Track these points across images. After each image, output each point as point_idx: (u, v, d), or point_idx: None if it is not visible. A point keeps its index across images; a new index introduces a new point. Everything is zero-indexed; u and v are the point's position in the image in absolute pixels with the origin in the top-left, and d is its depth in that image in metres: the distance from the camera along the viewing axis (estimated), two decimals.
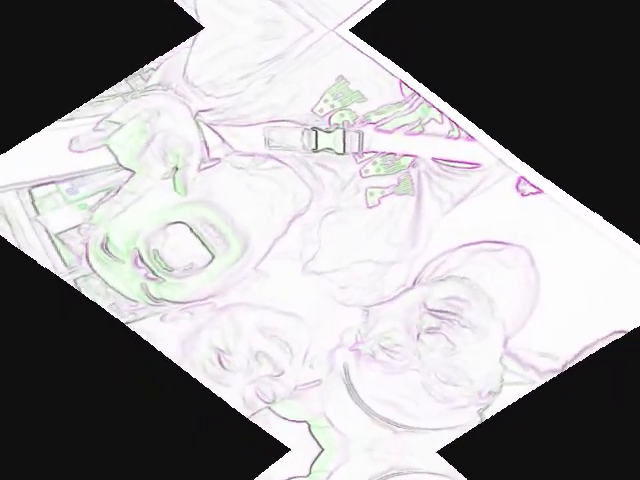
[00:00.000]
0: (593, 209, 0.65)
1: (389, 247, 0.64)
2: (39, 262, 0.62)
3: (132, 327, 0.62)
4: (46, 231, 0.63)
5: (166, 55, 0.67)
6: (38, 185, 0.64)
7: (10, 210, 0.63)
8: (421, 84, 0.68)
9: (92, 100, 0.66)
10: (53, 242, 0.62)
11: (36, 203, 0.63)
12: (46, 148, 0.65)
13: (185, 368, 0.63)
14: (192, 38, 0.68)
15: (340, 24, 0.69)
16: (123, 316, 0.62)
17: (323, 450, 0.62)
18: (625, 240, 0.63)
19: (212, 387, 0.63)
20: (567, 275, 0.63)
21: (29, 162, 0.64)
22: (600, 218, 0.64)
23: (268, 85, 0.67)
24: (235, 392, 0.62)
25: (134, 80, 0.67)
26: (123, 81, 0.66)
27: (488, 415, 0.61)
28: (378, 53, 0.69)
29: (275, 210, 0.65)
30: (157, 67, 0.67)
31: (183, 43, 0.68)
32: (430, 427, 0.61)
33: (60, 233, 0.63)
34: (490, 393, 0.61)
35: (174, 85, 0.67)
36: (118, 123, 0.65)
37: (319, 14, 0.70)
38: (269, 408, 0.63)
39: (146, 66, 0.67)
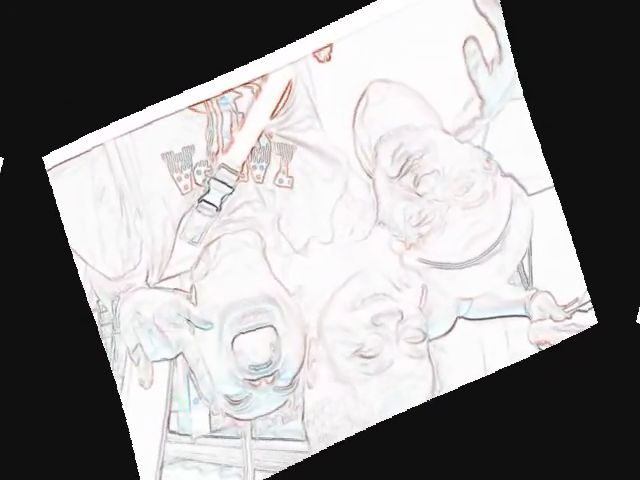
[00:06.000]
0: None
1: (338, 187, 0.70)
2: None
3: (307, 413, 0.70)
4: (205, 435, 0.71)
5: (87, 285, 0.73)
6: (171, 434, 0.71)
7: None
8: (188, 91, 0.71)
9: (110, 357, 0.73)
10: (215, 437, 0.70)
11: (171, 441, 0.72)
12: (138, 404, 0.72)
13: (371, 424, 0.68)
14: (76, 256, 0.74)
15: (121, 134, 0.73)
16: (291, 417, 0.70)
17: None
18: None
19: (392, 391, 0.68)
20: (414, 64, 0.69)
21: (144, 422, 0.72)
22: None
23: (146, 220, 0.72)
24: (403, 360, 0.69)
25: (103, 320, 0.73)
26: (99, 327, 0.73)
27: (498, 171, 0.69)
28: (150, 112, 0.72)
29: (253, 267, 0.71)
30: (96, 294, 0.73)
31: (79, 267, 0.73)
32: (506, 227, 0.69)
33: (215, 431, 0.71)
34: (488, 160, 0.69)
35: (117, 291, 0.73)
36: (138, 344, 0.72)
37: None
38: (429, 341, 0.69)
39: (91, 305, 0.73)
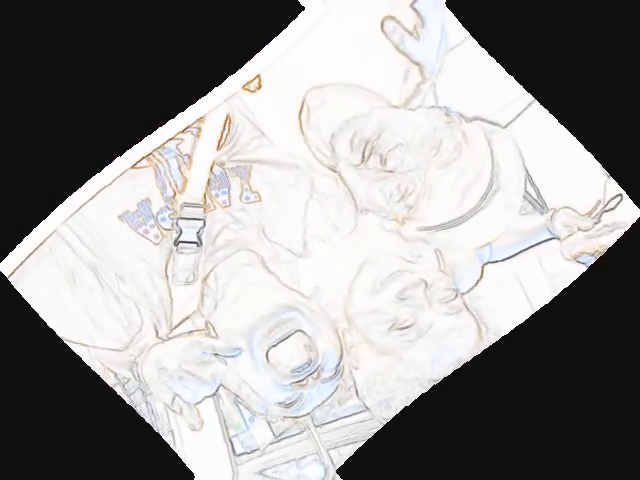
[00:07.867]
0: None
1: (305, 188, 0.72)
2: None
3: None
4: (271, 442, 0.73)
5: (97, 365, 0.73)
6: (239, 456, 0.73)
7: None
8: (126, 152, 0.71)
9: (150, 421, 0.73)
10: (281, 439, 0.73)
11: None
12: (196, 448, 0.73)
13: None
14: (72, 345, 0.73)
15: (67, 218, 0.72)
16: (346, 398, 0.72)
17: None
18: None
19: (436, 346, 0.70)
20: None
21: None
22: None
23: (130, 281, 0.72)
24: (442, 319, 0.70)
25: (129, 390, 0.73)
26: (127, 398, 0.73)
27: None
28: (93, 184, 0.72)
29: (260, 283, 0.72)
30: (111, 370, 0.73)
31: (80, 352, 0.73)
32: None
33: (279, 435, 0.73)
34: (447, 114, 0.70)
35: (132, 358, 0.73)
36: (174, 395, 0.73)
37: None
38: (462, 295, 0.70)
39: (110, 382, 0.73)
